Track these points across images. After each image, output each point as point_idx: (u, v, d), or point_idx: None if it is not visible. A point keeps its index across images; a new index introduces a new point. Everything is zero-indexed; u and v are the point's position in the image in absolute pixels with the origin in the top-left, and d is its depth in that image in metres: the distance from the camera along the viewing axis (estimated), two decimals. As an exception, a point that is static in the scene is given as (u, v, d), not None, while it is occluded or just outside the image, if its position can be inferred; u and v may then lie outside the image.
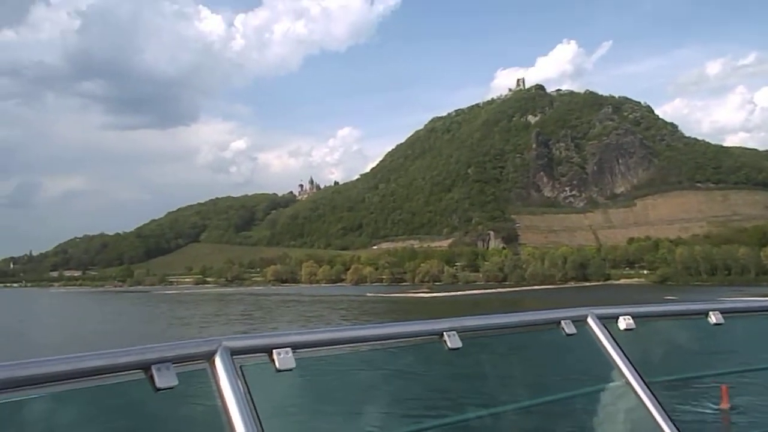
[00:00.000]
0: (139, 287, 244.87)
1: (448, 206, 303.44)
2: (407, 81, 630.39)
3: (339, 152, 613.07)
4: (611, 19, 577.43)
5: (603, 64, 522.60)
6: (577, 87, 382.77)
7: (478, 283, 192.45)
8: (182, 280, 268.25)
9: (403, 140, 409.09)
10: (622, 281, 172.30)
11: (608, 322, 2.81)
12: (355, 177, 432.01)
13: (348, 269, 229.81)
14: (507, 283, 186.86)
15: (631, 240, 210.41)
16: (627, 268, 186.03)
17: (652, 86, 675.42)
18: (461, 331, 2.37)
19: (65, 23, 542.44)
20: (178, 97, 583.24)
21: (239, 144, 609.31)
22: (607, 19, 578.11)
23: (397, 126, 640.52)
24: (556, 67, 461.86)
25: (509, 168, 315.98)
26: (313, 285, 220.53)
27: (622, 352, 2.73)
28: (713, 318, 3.07)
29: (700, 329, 3.27)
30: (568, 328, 2.71)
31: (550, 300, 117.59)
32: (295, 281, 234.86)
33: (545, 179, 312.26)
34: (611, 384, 2.77)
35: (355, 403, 3.23)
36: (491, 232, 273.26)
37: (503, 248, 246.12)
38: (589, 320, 2.80)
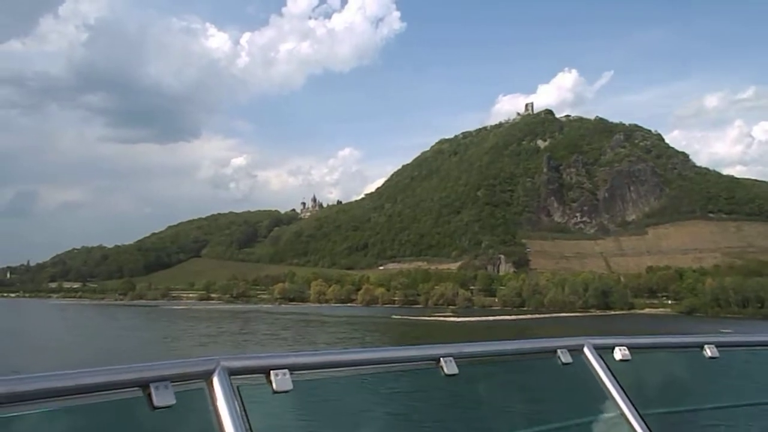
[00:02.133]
0: (142, 301, 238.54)
1: (457, 228, 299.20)
2: (408, 105, 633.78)
3: (338, 172, 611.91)
4: (612, 50, 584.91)
5: (603, 93, 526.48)
6: (579, 114, 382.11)
7: (494, 308, 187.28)
8: (185, 295, 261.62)
9: (409, 161, 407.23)
10: (647, 311, 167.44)
11: (604, 353, 2.83)
12: (354, 197, 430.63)
13: (358, 289, 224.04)
14: (525, 308, 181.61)
15: (650, 269, 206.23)
16: (649, 297, 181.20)
17: (652, 116, 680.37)
18: (458, 357, 2.37)
19: (73, 35, 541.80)
20: (181, 112, 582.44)
21: (240, 161, 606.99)
22: (608, 50, 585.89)
23: (397, 148, 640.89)
24: (557, 95, 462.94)
25: (519, 192, 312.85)
26: (323, 304, 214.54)
27: (617, 382, 2.74)
28: (708, 351, 3.10)
29: (695, 362, 3.28)
30: (565, 357, 2.72)
31: (590, 327, 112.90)
32: (303, 300, 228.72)
33: (556, 204, 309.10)
34: (606, 414, 2.77)
35: (351, 426, 3.23)
36: (502, 256, 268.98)
37: (514, 272, 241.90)
38: (586, 350, 2.81)
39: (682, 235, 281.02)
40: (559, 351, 2.73)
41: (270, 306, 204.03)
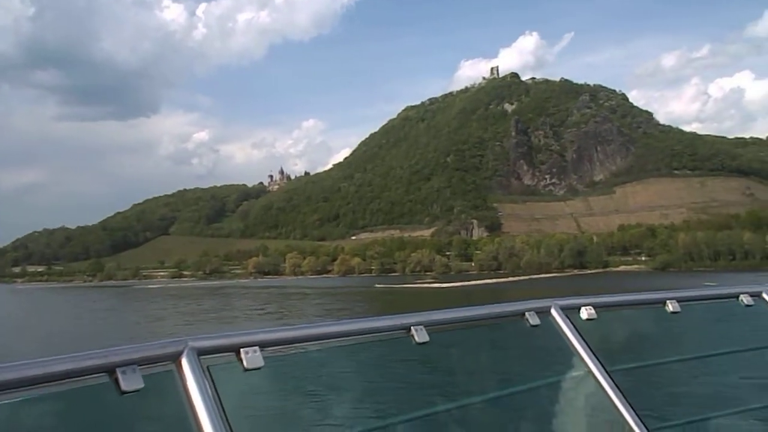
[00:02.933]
0: (112, 282, 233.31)
1: (428, 195, 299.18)
2: (371, 73, 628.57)
3: (303, 144, 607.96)
4: (572, 12, 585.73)
5: (564, 55, 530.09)
6: (543, 77, 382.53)
7: (471, 272, 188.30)
8: (156, 273, 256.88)
9: (376, 129, 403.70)
10: (622, 268, 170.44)
11: (571, 313, 2.89)
12: (319, 168, 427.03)
13: (334, 260, 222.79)
14: (502, 271, 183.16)
15: (621, 227, 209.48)
16: (622, 255, 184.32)
17: (611, 77, 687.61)
18: (428, 325, 2.38)
19: (18, 10, 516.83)
20: (138, 87, 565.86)
21: (202, 135, 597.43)
22: (568, 12, 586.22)
23: (361, 118, 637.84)
24: (519, 59, 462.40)
25: (489, 156, 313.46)
26: (299, 277, 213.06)
27: (584, 341, 2.81)
28: (670, 306, 3.22)
29: (658, 317, 3.39)
30: (533, 319, 2.77)
31: (570, 287, 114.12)
32: (278, 273, 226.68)
33: (525, 167, 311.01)
34: (574, 373, 2.85)
35: (324, 399, 3.25)
36: (474, 221, 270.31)
37: (488, 236, 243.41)
38: (553, 311, 2.86)
39: (648, 192, 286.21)
40: (527, 313, 2.77)
41: (246, 281, 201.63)
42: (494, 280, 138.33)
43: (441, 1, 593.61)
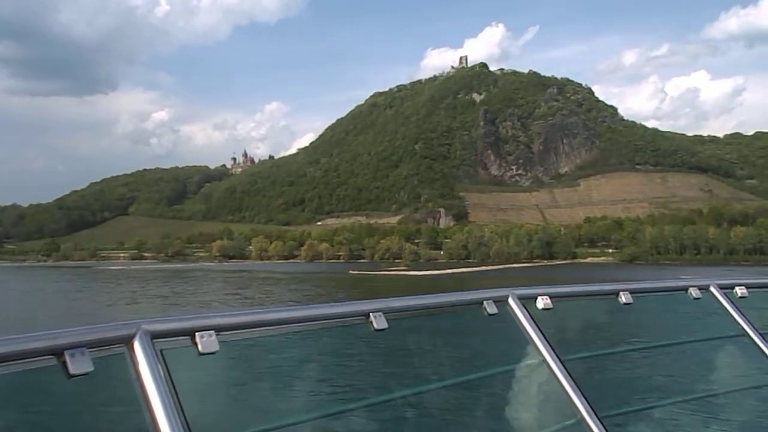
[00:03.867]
0: (70, 262, 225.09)
1: (395, 182, 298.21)
2: (336, 57, 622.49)
3: (265, 127, 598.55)
4: (538, 5, 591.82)
5: (529, 48, 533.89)
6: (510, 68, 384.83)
7: (440, 261, 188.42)
8: (116, 255, 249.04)
9: (342, 114, 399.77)
10: (589, 260, 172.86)
11: (527, 302, 2.93)
12: (282, 152, 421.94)
13: (301, 245, 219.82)
14: (471, 261, 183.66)
15: (587, 219, 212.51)
16: (589, 247, 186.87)
17: (573, 72, 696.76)
18: (387, 312, 2.39)
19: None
20: (96, 63, 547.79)
21: (161, 115, 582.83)
22: (534, 5, 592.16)
23: (326, 103, 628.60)
24: (484, 50, 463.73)
25: (457, 145, 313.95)
26: (265, 261, 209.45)
27: (540, 330, 2.85)
28: (623, 298, 3.29)
29: (611, 308, 3.47)
30: (490, 308, 2.80)
31: (544, 277, 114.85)
32: (243, 257, 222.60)
33: (492, 157, 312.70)
34: (529, 361, 2.89)
35: (281, 385, 3.23)
36: (442, 209, 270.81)
37: (455, 225, 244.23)
38: (510, 300, 2.90)
39: (612, 186, 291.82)
40: (485, 302, 2.81)
41: (212, 264, 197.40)
42: (469, 269, 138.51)
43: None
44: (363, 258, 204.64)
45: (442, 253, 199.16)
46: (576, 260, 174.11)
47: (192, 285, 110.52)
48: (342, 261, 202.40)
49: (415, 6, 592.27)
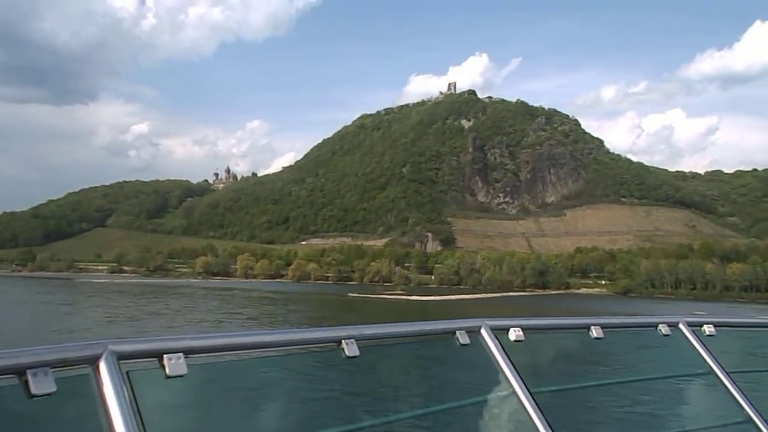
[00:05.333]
0: (47, 273, 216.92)
1: (383, 205, 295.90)
2: (321, 79, 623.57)
3: (246, 144, 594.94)
4: (520, 38, 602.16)
5: (511, 78, 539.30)
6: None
7: (431, 286, 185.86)
8: (94, 267, 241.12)
9: (329, 135, 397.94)
10: (583, 290, 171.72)
11: (500, 334, 2.93)
12: (262, 170, 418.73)
13: (288, 264, 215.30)
14: (462, 287, 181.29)
15: (578, 249, 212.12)
16: (581, 278, 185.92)
17: (552, 104, 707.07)
18: (359, 339, 2.37)
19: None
20: (78, 73, 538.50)
21: (141, 127, 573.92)
22: (517, 38, 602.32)
23: (307, 122, 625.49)
24: (468, 78, 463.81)
25: (445, 170, 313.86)
26: (250, 280, 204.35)
27: (511, 362, 2.85)
28: (594, 332, 3.31)
29: (582, 342, 3.48)
30: (463, 338, 2.80)
31: (544, 307, 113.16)
32: (228, 274, 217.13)
33: (480, 184, 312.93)
34: (499, 393, 2.88)
35: (249, 411, 3.24)
36: (429, 234, 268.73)
37: (441, 250, 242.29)
38: (483, 331, 2.91)
39: (597, 217, 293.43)
40: (457, 332, 2.80)
41: (196, 280, 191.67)
42: (470, 296, 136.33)
43: (395, 16, 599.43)
44: (352, 280, 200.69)
45: (432, 278, 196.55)
46: (569, 290, 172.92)
47: (185, 302, 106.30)
48: (331, 282, 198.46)
49: (400, 33, 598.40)
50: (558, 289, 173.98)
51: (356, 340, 2.34)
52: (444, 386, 3.55)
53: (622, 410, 4.21)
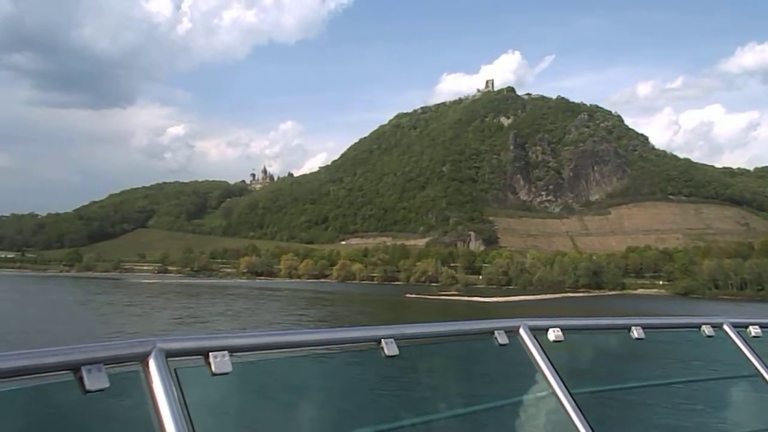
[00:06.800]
0: (94, 273, 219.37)
1: (423, 204, 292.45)
2: (352, 80, 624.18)
3: (279, 145, 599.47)
4: (553, 36, 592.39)
5: (543, 76, 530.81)
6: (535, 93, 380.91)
7: (479, 286, 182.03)
8: (139, 267, 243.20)
9: (359, 135, 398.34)
10: (640, 291, 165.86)
11: (539, 334, 2.93)
12: (294, 171, 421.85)
13: (332, 265, 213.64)
14: (512, 287, 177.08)
15: (630, 248, 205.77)
16: (636, 278, 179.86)
17: (586, 102, 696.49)
18: (399, 339, 2.39)
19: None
20: (116, 77, 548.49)
21: (177, 130, 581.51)
22: (549, 36, 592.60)
23: (339, 123, 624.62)
24: (501, 76, 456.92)
25: (485, 168, 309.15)
26: (294, 280, 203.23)
27: (550, 362, 2.85)
28: (635, 333, 3.27)
29: (623, 343, 3.44)
30: (501, 338, 2.81)
31: (626, 308, 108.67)
32: (272, 275, 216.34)
33: (522, 182, 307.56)
34: (538, 393, 2.88)
35: (291, 408, 3.27)
36: (472, 233, 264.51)
37: (484, 249, 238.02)
38: (521, 331, 2.90)
39: (644, 215, 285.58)
40: (496, 332, 2.81)
41: (244, 281, 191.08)
42: (533, 297, 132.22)
43: (426, 15, 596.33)
44: (397, 280, 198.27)
45: (480, 278, 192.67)
46: (625, 291, 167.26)
47: (243, 303, 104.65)
48: (376, 282, 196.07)
49: (430, 33, 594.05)
50: (613, 289, 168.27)
51: (396, 340, 2.36)
52: (482, 386, 3.53)
53: (664, 412, 4.07)
